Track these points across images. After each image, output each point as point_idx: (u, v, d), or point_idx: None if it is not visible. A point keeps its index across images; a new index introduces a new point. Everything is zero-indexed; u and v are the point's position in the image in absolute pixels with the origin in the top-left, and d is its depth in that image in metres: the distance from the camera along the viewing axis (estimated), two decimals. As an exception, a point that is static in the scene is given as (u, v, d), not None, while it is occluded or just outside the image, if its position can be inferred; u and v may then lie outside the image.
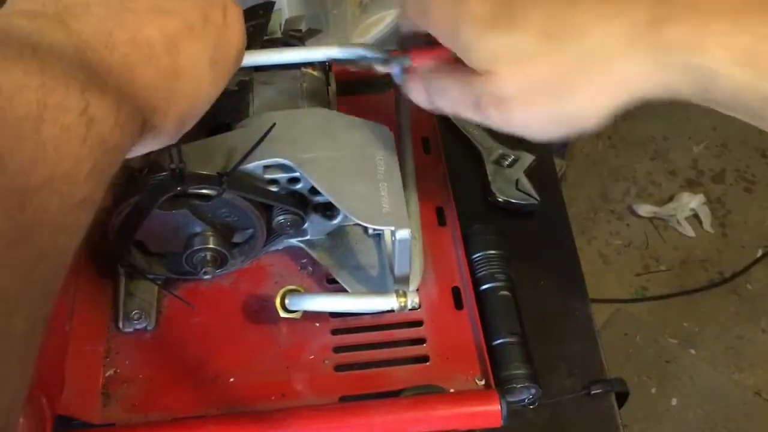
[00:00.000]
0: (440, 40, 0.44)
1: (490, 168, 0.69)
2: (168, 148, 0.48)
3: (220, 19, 0.41)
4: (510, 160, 0.69)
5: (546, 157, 0.71)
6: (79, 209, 0.31)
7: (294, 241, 0.62)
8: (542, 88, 0.41)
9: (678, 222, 1.75)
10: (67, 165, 0.30)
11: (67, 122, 0.31)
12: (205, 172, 0.52)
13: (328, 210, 0.59)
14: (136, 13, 0.36)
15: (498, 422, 0.53)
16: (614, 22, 0.38)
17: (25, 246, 0.29)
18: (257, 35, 0.63)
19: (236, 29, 0.42)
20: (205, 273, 0.57)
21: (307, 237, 0.61)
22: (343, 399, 0.55)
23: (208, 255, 0.56)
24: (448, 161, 0.68)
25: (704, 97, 0.38)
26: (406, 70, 0.49)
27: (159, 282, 0.59)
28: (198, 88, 0.40)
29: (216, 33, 0.40)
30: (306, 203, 0.57)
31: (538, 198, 0.67)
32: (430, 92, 0.47)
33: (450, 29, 0.43)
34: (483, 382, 0.56)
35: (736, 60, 0.36)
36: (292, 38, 0.65)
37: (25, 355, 0.29)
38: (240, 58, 0.44)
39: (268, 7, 0.66)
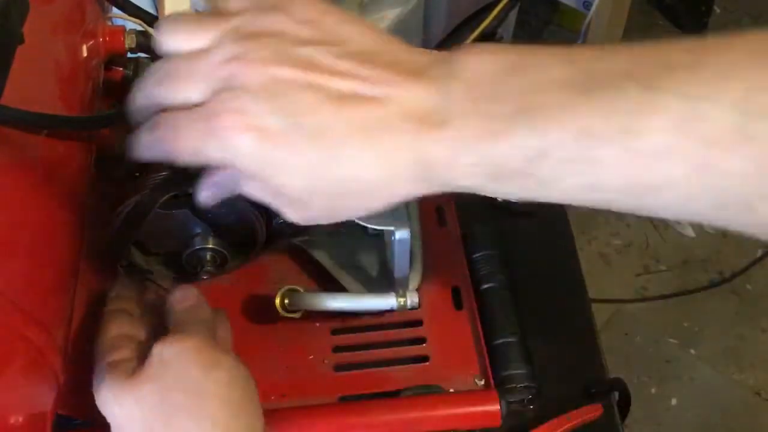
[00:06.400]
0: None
1: (490, 168, 0.69)
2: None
3: None
4: (510, 160, 0.69)
5: (546, 157, 0.70)
6: None
7: (294, 240, 0.61)
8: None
9: (678, 222, 1.75)
10: None
11: None
12: (205, 172, 0.52)
13: (328, 210, 0.59)
14: None
15: (497, 422, 0.53)
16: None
17: None
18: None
19: None
20: (205, 273, 0.57)
21: (307, 237, 0.61)
22: (343, 399, 0.55)
23: (208, 255, 0.56)
24: (448, 161, 0.67)
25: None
26: None
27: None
28: None
29: None
30: (306, 203, 0.57)
31: (538, 198, 0.67)
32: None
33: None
34: (483, 382, 0.56)
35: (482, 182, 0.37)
36: (292, 38, 0.65)
37: None
38: None
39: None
